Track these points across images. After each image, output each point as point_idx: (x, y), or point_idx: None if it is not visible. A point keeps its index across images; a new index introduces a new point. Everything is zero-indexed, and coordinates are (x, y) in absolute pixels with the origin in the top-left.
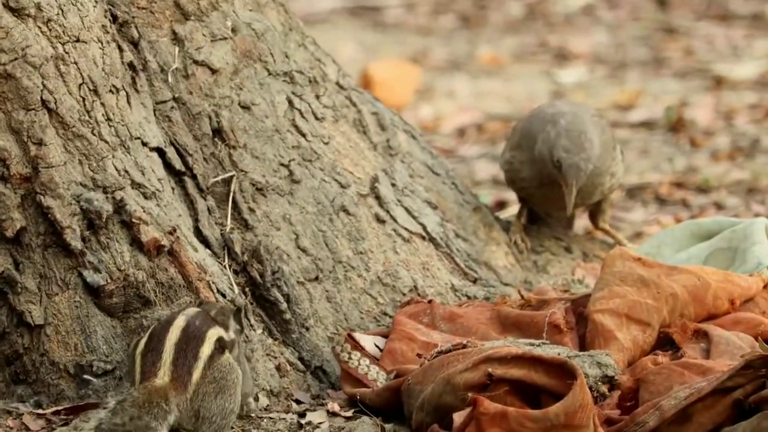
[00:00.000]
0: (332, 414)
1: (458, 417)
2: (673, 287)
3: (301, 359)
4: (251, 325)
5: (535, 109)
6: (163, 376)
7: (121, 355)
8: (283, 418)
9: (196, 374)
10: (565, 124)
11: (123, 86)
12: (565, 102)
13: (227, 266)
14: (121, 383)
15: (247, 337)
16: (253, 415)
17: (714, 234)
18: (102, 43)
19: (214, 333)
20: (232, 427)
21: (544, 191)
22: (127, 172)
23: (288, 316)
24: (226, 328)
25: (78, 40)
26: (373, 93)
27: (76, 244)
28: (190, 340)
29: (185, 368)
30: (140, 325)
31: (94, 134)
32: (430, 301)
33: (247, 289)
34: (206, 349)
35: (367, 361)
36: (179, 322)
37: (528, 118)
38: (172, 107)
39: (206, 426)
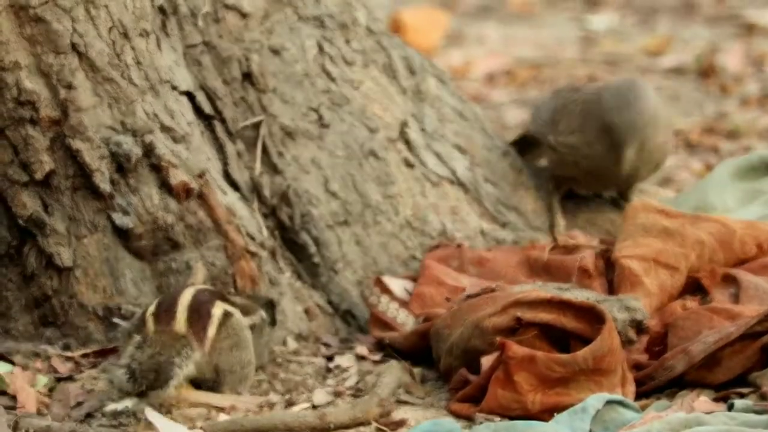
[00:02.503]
0: (360, 358)
1: (486, 361)
2: (699, 234)
3: (329, 303)
4: (280, 269)
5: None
6: (180, 330)
7: (150, 298)
8: (312, 362)
9: (211, 330)
10: (615, 86)
11: (153, 30)
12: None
13: (256, 210)
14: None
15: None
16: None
17: (746, 169)
18: None
19: (221, 304)
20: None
21: (609, 165)
22: (156, 115)
23: (317, 259)
24: (246, 313)
25: None
26: (402, 38)
27: (105, 186)
28: (201, 303)
29: (200, 325)
30: (169, 268)
31: (123, 78)
32: (459, 245)
33: (276, 233)
34: (217, 311)
35: (396, 305)
36: (189, 291)
37: (586, 100)
38: (202, 51)
39: (229, 377)
